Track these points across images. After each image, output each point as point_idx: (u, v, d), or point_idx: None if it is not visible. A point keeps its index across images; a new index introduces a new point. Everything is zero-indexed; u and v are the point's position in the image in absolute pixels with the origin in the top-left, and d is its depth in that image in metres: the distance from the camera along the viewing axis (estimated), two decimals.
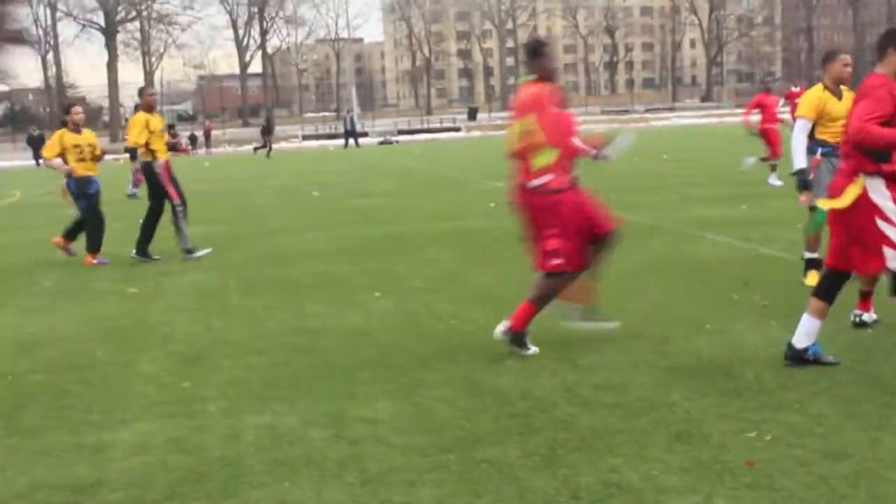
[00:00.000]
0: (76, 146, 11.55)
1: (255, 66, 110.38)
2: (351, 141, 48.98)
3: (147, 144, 11.28)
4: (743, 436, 4.59)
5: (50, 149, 11.71)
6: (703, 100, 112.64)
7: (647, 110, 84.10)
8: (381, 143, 50.75)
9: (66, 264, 11.77)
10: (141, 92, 11.94)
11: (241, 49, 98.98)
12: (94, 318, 8.34)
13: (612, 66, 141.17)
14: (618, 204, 14.76)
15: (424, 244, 11.69)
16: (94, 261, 11.49)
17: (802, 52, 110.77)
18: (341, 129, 61.04)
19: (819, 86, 7.98)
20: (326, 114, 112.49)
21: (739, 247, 10.19)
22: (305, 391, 5.75)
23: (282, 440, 4.89)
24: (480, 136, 61.53)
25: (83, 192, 11.64)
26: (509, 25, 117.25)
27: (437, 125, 70.41)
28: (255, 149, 48.04)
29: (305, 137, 66.57)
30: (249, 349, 6.86)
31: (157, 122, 11.52)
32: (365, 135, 56.09)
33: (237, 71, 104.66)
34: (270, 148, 45.96)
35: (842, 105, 7.57)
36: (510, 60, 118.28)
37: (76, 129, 11.65)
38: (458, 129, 66.94)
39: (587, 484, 4.13)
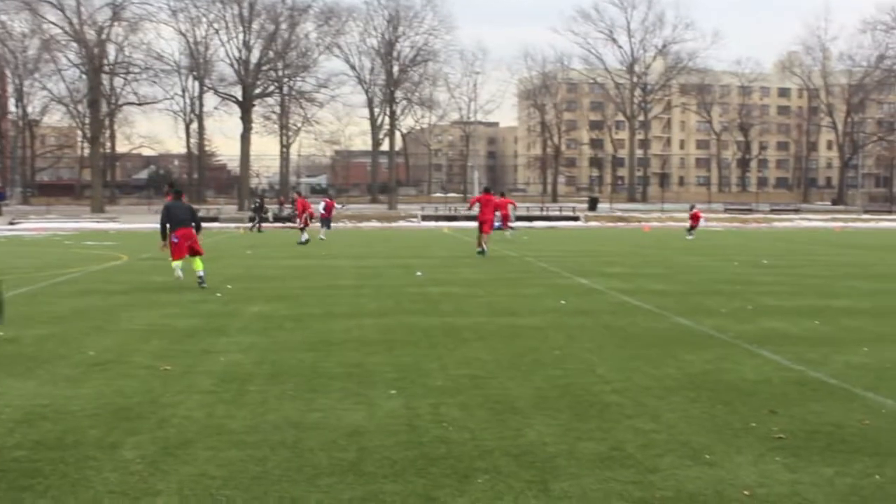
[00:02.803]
0: None
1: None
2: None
3: None
4: None
5: None
6: (834, 202, 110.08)
7: (772, 210, 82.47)
8: (498, 228, 50.56)
9: (122, 333, 12.03)
10: None
11: (375, 127, 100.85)
12: (112, 393, 8.41)
13: (744, 164, 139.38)
14: (690, 308, 14.66)
15: (471, 339, 11.51)
16: None
17: None
18: (462, 212, 61.63)
19: None
20: (453, 194, 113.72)
21: (787, 367, 9.72)
22: (259, 493, 5.64)
23: None
24: (598, 227, 61.20)
25: None
26: (642, 117, 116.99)
27: (556, 213, 70.23)
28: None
29: (425, 218, 67.11)
30: (236, 441, 6.79)
31: None
32: None
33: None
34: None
35: None
36: (640, 152, 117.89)
37: None
38: (576, 218, 66.69)
39: None
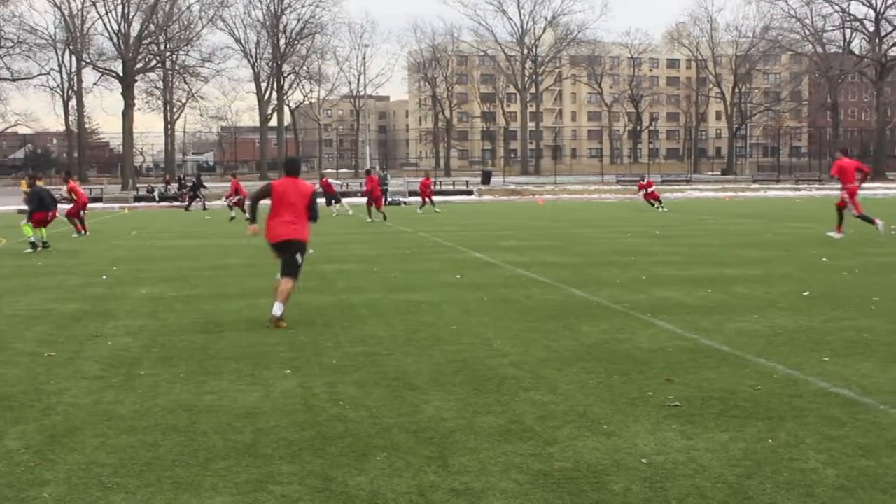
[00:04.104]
0: None
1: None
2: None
3: None
4: None
5: None
6: (724, 172, 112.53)
7: (664, 181, 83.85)
8: (390, 203, 50.45)
9: (4, 319, 11.64)
10: None
11: (263, 102, 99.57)
12: None
13: (635, 135, 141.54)
14: (585, 280, 14.78)
15: (366, 316, 11.41)
16: None
17: (828, 127, 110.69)
18: (355, 188, 61.31)
19: None
20: (345, 170, 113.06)
21: (681, 335, 9.84)
22: (153, 479, 5.47)
23: None
24: (492, 200, 61.48)
25: None
26: (533, 90, 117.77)
27: (450, 187, 70.30)
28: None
29: (317, 195, 66.61)
30: (126, 427, 6.59)
31: None
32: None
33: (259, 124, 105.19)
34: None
35: None
36: (532, 125, 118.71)
37: None
38: (470, 192, 66.89)
39: None
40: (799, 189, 74.60)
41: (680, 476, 5.41)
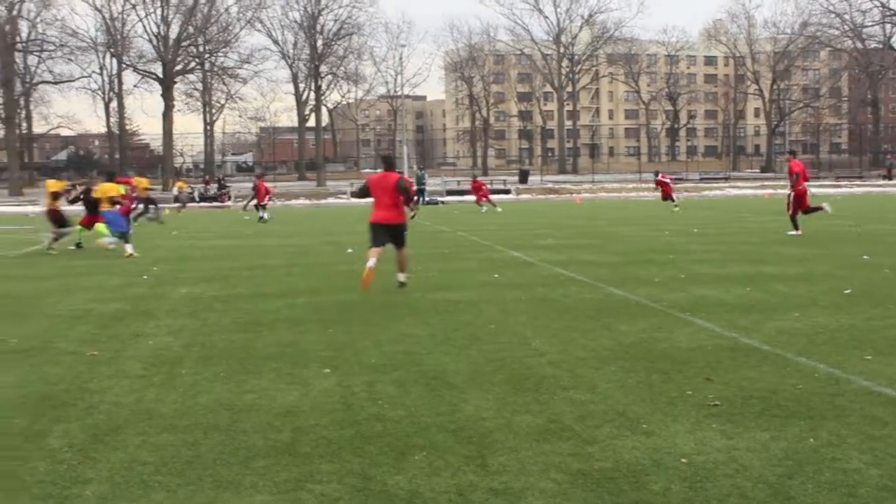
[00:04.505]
0: None
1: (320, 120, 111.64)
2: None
3: None
4: None
5: None
6: (763, 170, 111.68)
7: (702, 179, 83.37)
8: (427, 203, 50.47)
9: (47, 319, 11.77)
10: None
11: (301, 103, 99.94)
12: (37, 381, 8.20)
13: (672, 133, 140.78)
14: (623, 278, 14.72)
15: (404, 316, 11.42)
16: None
17: (868, 124, 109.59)
18: None
19: None
20: (369, 170, 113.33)
21: (721, 334, 9.78)
22: (194, 478, 5.52)
23: None
24: (530, 199, 61.36)
25: None
26: (570, 88, 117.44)
27: (488, 186, 70.08)
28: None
29: (354, 195, 66.73)
30: (167, 425, 6.65)
31: None
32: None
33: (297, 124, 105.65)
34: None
35: None
36: (569, 123, 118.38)
37: None
38: (508, 192, 66.75)
39: None
40: (839, 186, 73.79)
41: (720, 476, 5.39)
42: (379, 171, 14.46)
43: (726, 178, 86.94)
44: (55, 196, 22.95)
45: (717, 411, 6.76)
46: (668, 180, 42.59)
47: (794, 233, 22.79)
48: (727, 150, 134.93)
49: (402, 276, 14.01)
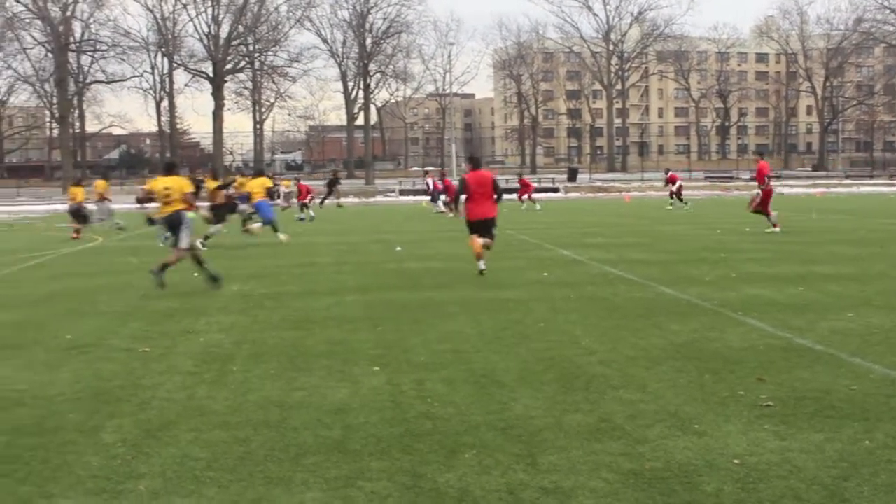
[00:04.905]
0: None
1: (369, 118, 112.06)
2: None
3: None
4: None
5: None
6: (815, 168, 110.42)
7: (752, 177, 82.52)
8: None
9: (99, 316, 11.91)
10: None
11: (349, 101, 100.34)
12: (90, 377, 8.30)
13: (723, 131, 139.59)
14: (673, 277, 14.62)
15: (453, 314, 11.41)
16: None
17: None
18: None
19: None
20: (431, 168, 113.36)
21: (773, 334, 9.68)
22: (245, 474, 5.56)
23: None
24: (578, 197, 61.16)
25: None
26: (619, 86, 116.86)
27: (536, 184, 69.97)
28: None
29: (402, 192, 66.87)
30: (219, 422, 6.70)
31: None
32: None
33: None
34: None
35: None
36: (618, 121, 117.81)
37: None
38: (556, 190, 66.60)
39: None
40: (893, 185, 72.83)
41: (773, 477, 5.32)
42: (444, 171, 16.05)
43: (777, 177, 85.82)
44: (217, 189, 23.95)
45: (770, 412, 6.68)
46: (678, 179, 42.87)
47: (774, 230, 23.46)
48: (779, 148, 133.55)
49: (483, 265, 15.36)
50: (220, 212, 23.33)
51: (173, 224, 14.75)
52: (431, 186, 43.18)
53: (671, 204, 41.04)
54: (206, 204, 22.57)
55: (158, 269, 14.35)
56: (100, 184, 32.66)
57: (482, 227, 15.41)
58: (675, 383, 7.59)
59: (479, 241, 15.29)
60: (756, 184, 24.29)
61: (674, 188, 41.81)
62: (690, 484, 5.25)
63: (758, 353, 8.75)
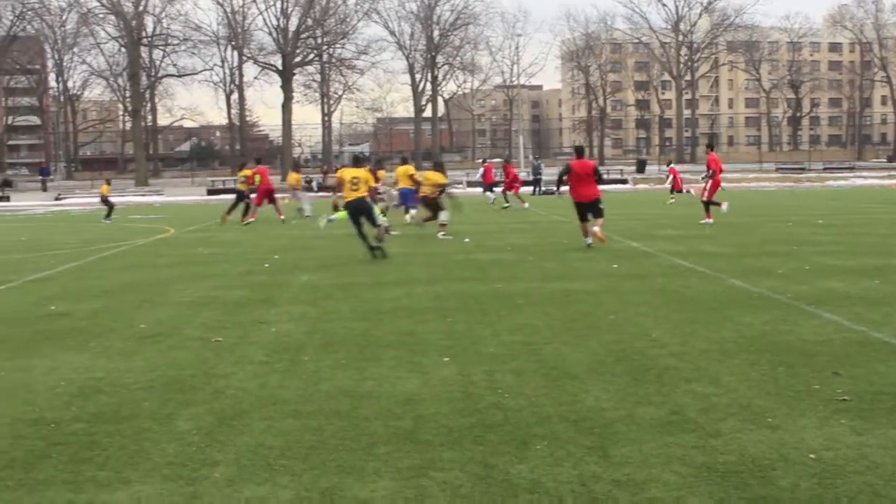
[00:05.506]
0: None
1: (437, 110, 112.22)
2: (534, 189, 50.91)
3: None
4: None
5: None
6: (890, 159, 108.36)
7: (826, 168, 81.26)
8: (543, 192, 50.23)
9: (172, 306, 12.09)
10: None
11: (417, 93, 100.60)
12: (165, 366, 8.43)
13: (795, 122, 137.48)
14: (745, 270, 14.43)
15: (523, 305, 11.40)
16: None
17: None
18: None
19: None
20: (497, 160, 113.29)
21: (848, 327, 9.52)
22: (317, 462, 5.61)
23: None
24: (647, 189, 60.65)
25: None
26: (688, 77, 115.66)
27: (604, 176, 69.57)
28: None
29: (470, 184, 66.81)
30: (291, 411, 6.77)
31: None
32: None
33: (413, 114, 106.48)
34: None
35: None
36: (688, 113, 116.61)
37: None
38: (625, 181, 66.12)
39: None
40: None
41: (850, 473, 5.24)
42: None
43: (851, 168, 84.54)
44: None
45: (846, 406, 6.58)
46: (678, 174, 42.88)
47: (707, 221, 24.56)
48: (852, 139, 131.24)
49: (590, 239, 18.21)
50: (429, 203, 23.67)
51: (362, 208, 17.21)
52: (481, 175, 42.41)
53: (672, 200, 40.14)
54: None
55: (378, 245, 17.21)
56: (293, 176, 34.32)
57: (588, 207, 18.07)
58: (748, 377, 7.50)
59: (590, 227, 18.05)
60: (711, 172, 25.11)
61: (669, 182, 42.16)
62: (765, 478, 5.19)
63: (832, 346, 8.61)
